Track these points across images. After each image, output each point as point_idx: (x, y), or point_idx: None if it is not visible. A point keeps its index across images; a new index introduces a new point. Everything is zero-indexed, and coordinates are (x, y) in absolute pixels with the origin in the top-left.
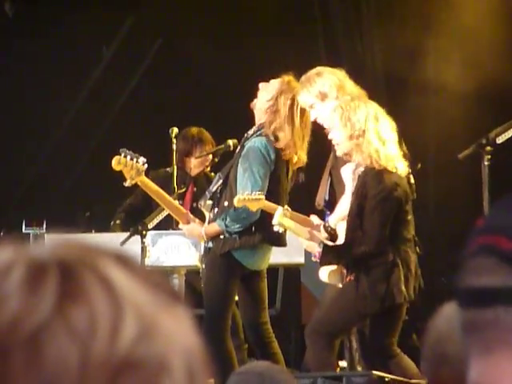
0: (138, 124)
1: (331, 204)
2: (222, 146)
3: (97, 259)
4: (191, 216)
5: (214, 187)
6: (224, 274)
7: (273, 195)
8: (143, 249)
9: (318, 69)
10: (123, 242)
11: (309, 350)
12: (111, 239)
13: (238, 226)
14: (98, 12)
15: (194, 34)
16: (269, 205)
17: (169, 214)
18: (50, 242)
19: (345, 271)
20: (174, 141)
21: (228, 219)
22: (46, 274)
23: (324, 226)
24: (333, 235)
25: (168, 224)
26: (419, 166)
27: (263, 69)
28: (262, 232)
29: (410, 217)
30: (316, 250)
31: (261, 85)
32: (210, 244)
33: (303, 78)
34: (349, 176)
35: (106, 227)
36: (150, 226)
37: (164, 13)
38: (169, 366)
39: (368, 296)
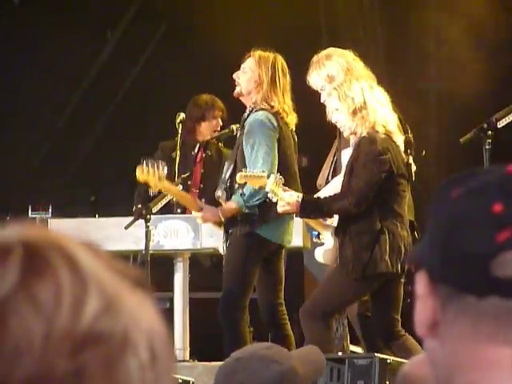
0: (143, 109)
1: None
2: (226, 130)
3: (62, 240)
4: (202, 202)
5: (226, 175)
6: (247, 256)
7: (283, 159)
8: (147, 233)
9: (329, 50)
10: (128, 226)
11: (305, 332)
12: (116, 223)
13: (256, 198)
14: None
15: (198, 20)
16: (252, 177)
17: (171, 199)
18: (18, 225)
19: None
20: (180, 126)
21: (246, 193)
22: (11, 251)
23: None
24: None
25: (168, 208)
26: (424, 152)
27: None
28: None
29: (403, 193)
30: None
31: (235, 75)
32: (230, 232)
33: (314, 58)
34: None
35: (111, 211)
36: (155, 209)
37: None
38: (132, 342)
39: (351, 261)
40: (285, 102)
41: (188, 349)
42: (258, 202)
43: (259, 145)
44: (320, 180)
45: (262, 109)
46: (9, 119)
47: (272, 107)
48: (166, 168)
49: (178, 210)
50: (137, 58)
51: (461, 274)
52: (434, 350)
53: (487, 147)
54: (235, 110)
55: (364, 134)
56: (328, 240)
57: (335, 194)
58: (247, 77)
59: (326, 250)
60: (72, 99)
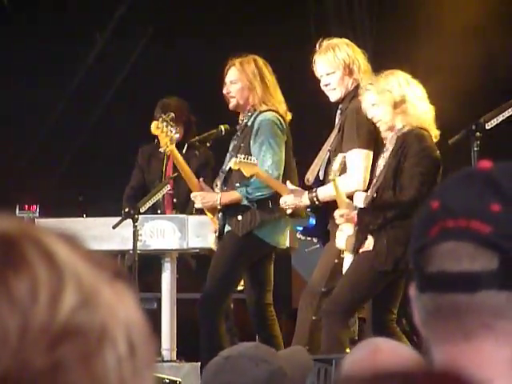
0: (131, 109)
1: (322, 184)
2: (214, 130)
3: (39, 233)
4: (205, 186)
5: (227, 166)
6: (240, 256)
7: (286, 157)
8: (135, 232)
9: (345, 40)
10: (115, 226)
11: (324, 331)
12: (104, 223)
13: (260, 193)
14: None
15: (184, 23)
16: (262, 173)
17: (158, 199)
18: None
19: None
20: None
21: (251, 186)
22: None
23: (310, 192)
24: (314, 204)
25: (154, 208)
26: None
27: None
28: (279, 206)
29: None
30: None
31: (225, 90)
32: (227, 229)
33: (324, 43)
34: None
35: (99, 211)
36: (142, 209)
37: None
38: (110, 335)
39: (384, 253)
40: (279, 99)
41: (175, 349)
42: (260, 197)
43: (269, 145)
44: (309, 175)
45: (270, 110)
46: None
47: (274, 109)
48: (177, 135)
49: (158, 211)
50: (125, 59)
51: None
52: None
53: (475, 149)
54: (222, 111)
55: (405, 129)
56: (348, 227)
57: (387, 201)
58: (238, 87)
59: (348, 235)
60: (60, 99)
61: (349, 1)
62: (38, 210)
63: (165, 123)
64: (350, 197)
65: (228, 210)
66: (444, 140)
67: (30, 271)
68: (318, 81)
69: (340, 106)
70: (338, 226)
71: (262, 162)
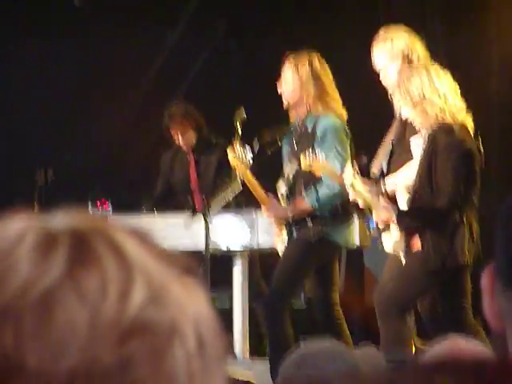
0: (204, 105)
1: (386, 175)
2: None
3: (109, 229)
4: (273, 199)
5: (289, 175)
6: (311, 260)
7: None
8: (207, 232)
9: (403, 28)
10: (187, 223)
11: (382, 330)
12: (174, 221)
13: (330, 200)
14: None
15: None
16: (332, 171)
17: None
18: (63, 212)
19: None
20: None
21: (320, 193)
22: (58, 240)
23: (378, 185)
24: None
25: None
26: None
27: (330, 54)
28: (346, 206)
29: (478, 182)
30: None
31: (279, 87)
32: (294, 234)
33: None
34: (417, 145)
35: (170, 208)
36: (214, 207)
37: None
38: (179, 331)
39: (431, 252)
40: (335, 99)
41: (248, 347)
42: (331, 203)
43: (336, 152)
44: (375, 169)
45: (329, 113)
46: (74, 116)
47: (331, 109)
48: (251, 158)
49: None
50: (197, 54)
51: (506, 269)
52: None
53: None
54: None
55: (434, 125)
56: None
57: (422, 199)
58: (291, 88)
59: (395, 240)
60: (129, 99)
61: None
62: (110, 206)
63: (240, 149)
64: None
65: (298, 217)
66: None
67: (99, 267)
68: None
69: None
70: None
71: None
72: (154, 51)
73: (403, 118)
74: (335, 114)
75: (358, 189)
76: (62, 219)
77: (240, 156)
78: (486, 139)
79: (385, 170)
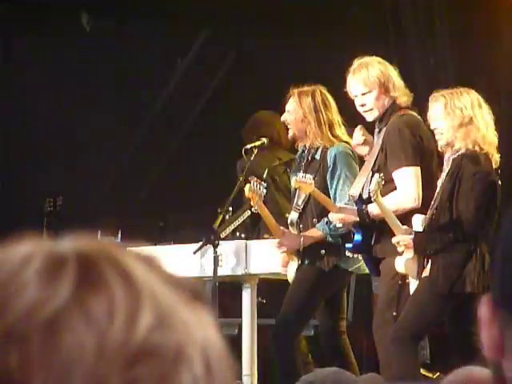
0: (212, 135)
1: (366, 202)
2: (259, 142)
3: (117, 253)
4: (285, 230)
5: (298, 201)
6: (322, 289)
7: None
8: (215, 258)
9: (377, 58)
10: (196, 251)
11: (393, 357)
12: (183, 249)
13: (342, 227)
14: (173, 24)
15: (269, 47)
16: (319, 193)
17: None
18: (69, 237)
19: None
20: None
21: (332, 222)
22: (65, 264)
23: (360, 210)
24: (365, 221)
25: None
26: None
27: (336, 82)
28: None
29: (496, 215)
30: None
31: (283, 118)
32: (306, 262)
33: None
34: (402, 177)
35: (179, 237)
36: (222, 235)
37: (238, 26)
38: (186, 356)
39: (440, 277)
40: (339, 129)
41: (256, 375)
42: (343, 231)
43: (345, 177)
44: (353, 191)
45: (336, 141)
46: (81, 143)
47: (337, 137)
48: (265, 190)
49: (242, 235)
50: (206, 84)
51: None
52: (509, 373)
53: None
54: None
55: (463, 150)
56: (407, 251)
57: (441, 223)
58: (292, 118)
59: (407, 259)
60: (141, 125)
61: (430, 29)
62: (119, 236)
63: (257, 186)
64: (402, 216)
65: (310, 245)
66: None
67: (107, 291)
68: None
69: (378, 125)
70: (388, 246)
71: (342, 196)
72: (165, 75)
73: (432, 128)
74: (341, 141)
75: (381, 200)
76: (69, 243)
77: (255, 190)
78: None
79: (363, 196)
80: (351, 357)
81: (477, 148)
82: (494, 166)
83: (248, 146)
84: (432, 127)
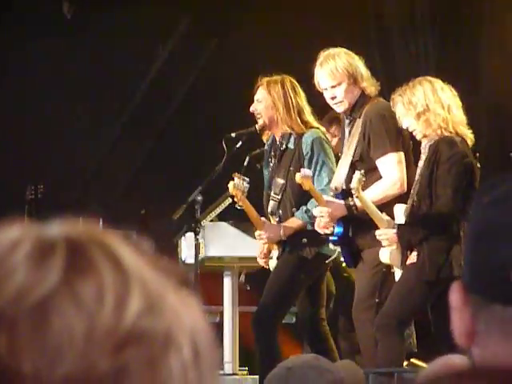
0: (195, 123)
1: (347, 194)
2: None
3: (106, 238)
4: (265, 220)
5: (277, 190)
6: (305, 275)
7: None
8: (197, 245)
9: (343, 49)
10: (177, 238)
11: (380, 344)
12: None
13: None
14: (153, 9)
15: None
16: (314, 187)
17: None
18: (58, 222)
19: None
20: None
21: (310, 208)
22: (54, 248)
23: (347, 201)
24: (352, 213)
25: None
26: (477, 155)
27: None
28: None
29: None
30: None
31: (252, 108)
32: (288, 250)
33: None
34: (385, 164)
35: (160, 224)
36: (204, 222)
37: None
38: (175, 341)
39: (427, 263)
40: (305, 121)
41: (237, 362)
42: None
43: (323, 163)
44: (335, 184)
45: (308, 128)
46: (60, 130)
47: (307, 125)
48: (247, 185)
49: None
50: (188, 71)
51: (486, 283)
52: (479, 359)
53: None
54: None
55: (436, 136)
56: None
57: (424, 213)
58: (262, 106)
59: (391, 250)
60: (123, 112)
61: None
62: (100, 223)
63: (240, 182)
64: (386, 204)
65: (291, 235)
66: (507, 152)
67: (96, 275)
68: None
69: (348, 116)
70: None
71: (320, 181)
72: (144, 67)
73: (405, 127)
74: (311, 127)
75: (363, 196)
76: (58, 228)
77: (239, 186)
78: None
79: (344, 187)
80: (331, 344)
81: (445, 132)
82: (469, 145)
83: (233, 134)
84: (404, 127)
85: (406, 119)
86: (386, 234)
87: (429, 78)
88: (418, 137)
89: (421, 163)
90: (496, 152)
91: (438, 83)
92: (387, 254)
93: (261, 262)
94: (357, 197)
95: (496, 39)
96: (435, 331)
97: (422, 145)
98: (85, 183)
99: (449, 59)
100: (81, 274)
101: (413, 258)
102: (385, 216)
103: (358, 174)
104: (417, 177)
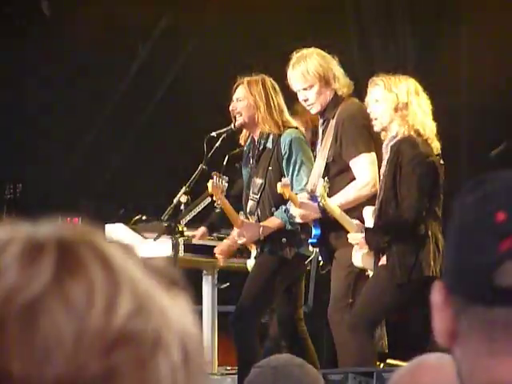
0: (174, 121)
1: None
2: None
3: (96, 239)
4: (244, 219)
5: (255, 190)
6: (284, 276)
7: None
8: (175, 246)
9: (316, 50)
10: (156, 239)
11: (351, 344)
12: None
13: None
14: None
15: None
16: (292, 193)
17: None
18: (48, 222)
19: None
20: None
21: (290, 209)
22: (44, 249)
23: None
24: (327, 216)
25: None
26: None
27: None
28: None
29: (441, 195)
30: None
31: (231, 107)
32: (266, 250)
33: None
34: (358, 166)
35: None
36: (183, 222)
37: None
38: (164, 342)
39: (397, 266)
40: (284, 120)
41: (216, 362)
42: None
43: (301, 163)
44: (310, 186)
45: (287, 128)
46: (39, 129)
47: (287, 124)
48: (226, 184)
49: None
50: (167, 71)
51: (468, 284)
52: (459, 359)
53: None
54: None
55: (399, 136)
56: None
57: (390, 216)
58: (243, 104)
59: (363, 254)
60: (101, 111)
61: (388, 14)
62: (80, 222)
63: (219, 180)
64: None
65: (270, 233)
66: (487, 151)
67: (86, 276)
68: None
69: (321, 117)
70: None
71: (299, 181)
72: (124, 66)
73: (368, 111)
74: (290, 127)
75: (329, 203)
76: (48, 229)
77: (218, 185)
78: (454, 149)
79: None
80: (308, 344)
81: (413, 133)
82: (434, 152)
83: (213, 134)
84: (368, 111)
85: (377, 105)
86: (355, 239)
87: (414, 80)
88: (377, 127)
89: (384, 164)
90: (477, 151)
91: (420, 88)
92: (360, 257)
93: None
94: (323, 204)
95: (476, 39)
96: (413, 330)
97: (384, 145)
98: (64, 183)
99: (428, 59)
100: (71, 275)
101: (384, 259)
102: (353, 220)
103: (322, 182)
104: (381, 178)
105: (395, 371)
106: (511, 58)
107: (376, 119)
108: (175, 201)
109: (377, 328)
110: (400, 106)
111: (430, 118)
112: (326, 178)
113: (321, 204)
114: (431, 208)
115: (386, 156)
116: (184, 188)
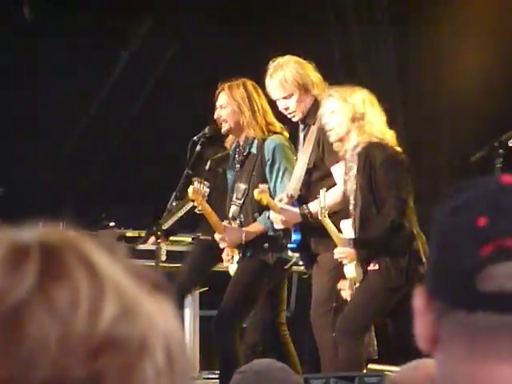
0: (157, 125)
1: (303, 202)
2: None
3: (80, 243)
4: (226, 224)
5: (237, 196)
6: (267, 281)
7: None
8: (158, 249)
9: (293, 58)
10: (140, 243)
11: (341, 349)
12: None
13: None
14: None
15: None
16: (270, 199)
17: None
18: (31, 227)
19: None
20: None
21: (271, 215)
22: (28, 253)
23: (302, 209)
24: (308, 220)
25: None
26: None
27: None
28: None
29: (412, 191)
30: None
31: (216, 114)
32: (248, 254)
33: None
34: (339, 173)
35: (121, 228)
36: (165, 226)
37: (182, 14)
38: (149, 347)
39: (392, 270)
40: (269, 122)
41: (197, 366)
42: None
43: (285, 170)
44: (290, 191)
45: (273, 133)
46: (21, 130)
47: (271, 128)
48: (207, 189)
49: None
50: (149, 75)
51: (450, 289)
52: (441, 364)
53: (498, 165)
54: None
55: (363, 144)
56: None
57: (374, 222)
58: (228, 111)
59: (355, 265)
60: (84, 115)
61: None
62: (61, 226)
63: (200, 186)
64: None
65: (252, 238)
66: (467, 157)
67: (70, 281)
68: None
69: (302, 123)
70: (324, 242)
71: (282, 187)
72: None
73: (323, 123)
74: (275, 132)
75: (327, 220)
76: (32, 233)
77: (199, 190)
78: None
79: (298, 194)
80: (290, 348)
81: (375, 139)
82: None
83: (195, 138)
84: (323, 122)
85: (333, 116)
86: (343, 253)
87: (366, 92)
88: (332, 138)
89: (352, 173)
90: (458, 157)
91: (375, 99)
92: (352, 269)
93: (226, 265)
94: (324, 217)
95: (458, 41)
96: (397, 334)
97: (347, 156)
98: (45, 186)
99: (410, 59)
100: (55, 280)
101: (374, 265)
102: (342, 235)
103: (322, 193)
104: (353, 186)
105: (392, 374)
106: (493, 58)
107: (331, 130)
108: (168, 206)
109: (367, 333)
110: (357, 115)
111: (387, 129)
112: (324, 189)
113: (320, 217)
114: (408, 203)
115: (352, 165)
116: (174, 193)
